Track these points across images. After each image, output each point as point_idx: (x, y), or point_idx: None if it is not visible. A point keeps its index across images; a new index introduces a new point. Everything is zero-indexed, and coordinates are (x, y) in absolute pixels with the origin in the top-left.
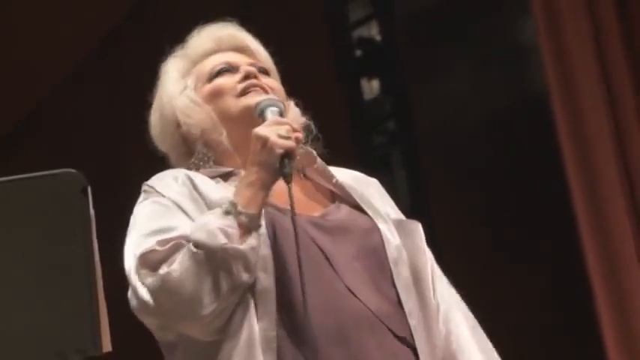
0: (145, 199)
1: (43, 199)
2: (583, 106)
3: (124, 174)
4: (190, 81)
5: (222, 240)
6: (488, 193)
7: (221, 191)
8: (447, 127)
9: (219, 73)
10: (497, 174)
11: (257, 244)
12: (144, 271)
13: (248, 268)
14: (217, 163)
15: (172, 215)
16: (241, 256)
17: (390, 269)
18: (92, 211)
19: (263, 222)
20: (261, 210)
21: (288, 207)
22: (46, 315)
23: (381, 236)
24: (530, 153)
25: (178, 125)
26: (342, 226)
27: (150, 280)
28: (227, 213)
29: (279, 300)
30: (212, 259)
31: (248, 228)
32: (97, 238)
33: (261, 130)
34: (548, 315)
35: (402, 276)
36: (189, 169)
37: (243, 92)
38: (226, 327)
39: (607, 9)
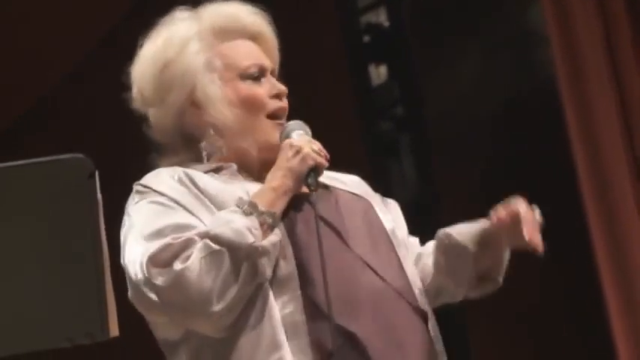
0: (141, 199)
1: (50, 184)
2: (591, 94)
3: (125, 173)
4: (218, 62)
5: (250, 238)
6: (496, 181)
7: (220, 186)
8: (455, 114)
9: (252, 76)
10: (505, 161)
11: (278, 239)
12: (155, 270)
13: (271, 263)
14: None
15: (179, 214)
16: (266, 253)
17: (392, 241)
18: (100, 196)
19: None
20: (280, 214)
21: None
22: (55, 300)
23: (375, 211)
24: (539, 141)
25: (193, 103)
26: (345, 204)
27: (162, 278)
28: (248, 214)
29: (301, 284)
30: (238, 257)
31: (269, 226)
32: (104, 225)
33: (294, 140)
34: (556, 311)
35: (400, 247)
36: (179, 164)
37: (274, 116)
38: (242, 321)
39: None
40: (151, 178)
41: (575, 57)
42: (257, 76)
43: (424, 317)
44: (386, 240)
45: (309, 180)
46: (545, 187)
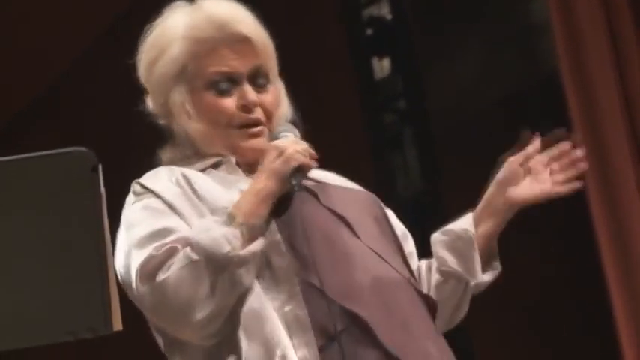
0: (137, 200)
1: (53, 178)
2: (594, 85)
3: (125, 172)
4: (191, 70)
5: (226, 248)
6: None
7: (218, 191)
8: (458, 106)
9: (216, 86)
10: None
11: (260, 248)
12: (144, 282)
13: (250, 273)
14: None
15: (167, 219)
16: (244, 263)
17: (396, 235)
18: (103, 190)
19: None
20: (263, 220)
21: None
22: (58, 293)
23: (380, 204)
24: (541, 132)
25: (166, 108)
26: (347, 196)
27: (148, 290)
28: (227, 224)
29: (299, 278)
30: (215, 267)
31: (251, 235)
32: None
33: (279, 142)
34: (561, 304)
35: (407, 242)
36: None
37: (243, 127)
38: (239, 322)
39: None
40: (149, 178)
41: (578, 49)
42: (225, 86)
43: (431, 306)
44: (391, 233)
45: (294, 181)
46: None
